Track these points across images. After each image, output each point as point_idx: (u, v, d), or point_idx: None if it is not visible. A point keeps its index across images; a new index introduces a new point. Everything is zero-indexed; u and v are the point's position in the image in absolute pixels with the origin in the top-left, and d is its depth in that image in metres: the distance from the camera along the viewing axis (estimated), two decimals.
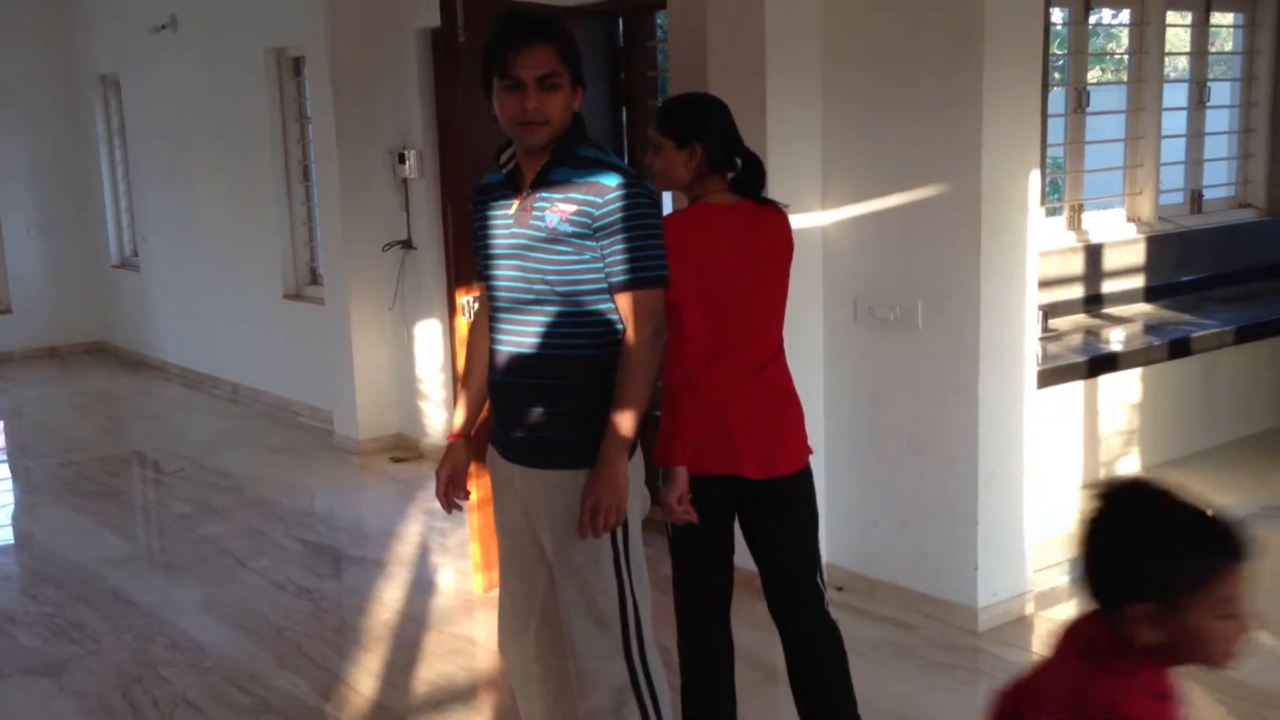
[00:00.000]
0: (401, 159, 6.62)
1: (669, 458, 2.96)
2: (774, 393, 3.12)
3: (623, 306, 2.64)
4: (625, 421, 2.63)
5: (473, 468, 3.02)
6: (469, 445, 2.97)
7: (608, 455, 2.63)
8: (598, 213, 2.59)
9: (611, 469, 2.63)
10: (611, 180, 2.59)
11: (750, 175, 3.09)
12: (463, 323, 4.56)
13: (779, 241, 3.13)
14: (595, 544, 2.68)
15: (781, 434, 3.13)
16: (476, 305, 3.00)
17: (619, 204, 2.58)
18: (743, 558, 3.21)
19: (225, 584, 5.02)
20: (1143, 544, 1.69)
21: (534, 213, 2.65)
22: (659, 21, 5.43)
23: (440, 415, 6.78)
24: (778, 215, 3.12)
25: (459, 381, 4.68)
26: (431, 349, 6.78)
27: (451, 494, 2.96)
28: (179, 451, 7.26)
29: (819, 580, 3.19)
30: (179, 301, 9.36)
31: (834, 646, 3.19)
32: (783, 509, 3.14)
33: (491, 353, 2.80)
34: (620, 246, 2.60)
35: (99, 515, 6.08)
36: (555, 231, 2.62)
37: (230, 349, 8.75)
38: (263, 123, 7.85)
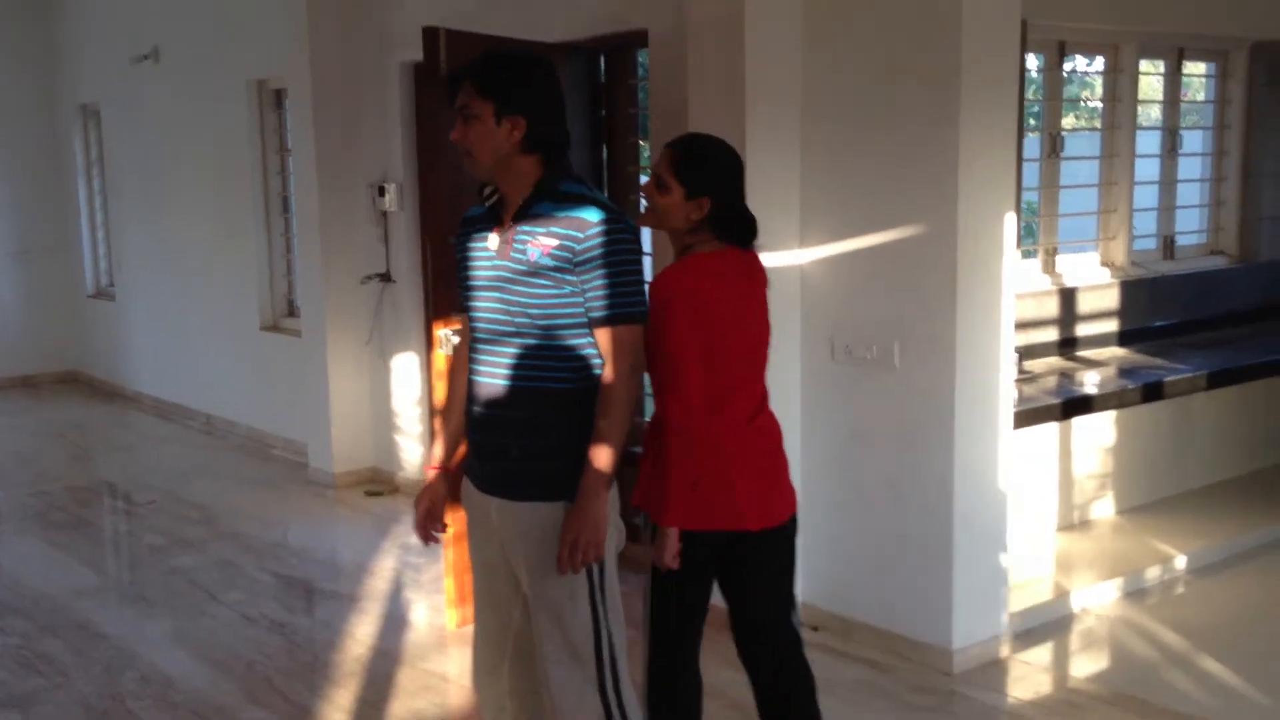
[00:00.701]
0: (381, 192, 6.63)
1: (663, 517, 2.91)
2: (768, 439, 3.12)
3: (601, 342, 2.66)
4: (604, 457, 2.64)
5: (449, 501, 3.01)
6: (448, 478, 2.96)
7: (587, 491, 2.63)
8: (578, 247, 2.61)
9: (591, 505, 2.63)
10: (593, 216, 2.62)
11: (741, 228, 3.05)
12: (440, 356, 4.56)
13: (763, 285, 3.14)
14: (571, 578, 2.68)
15: (776, 480, 3.12)
16: (457, 338, 3.01)
17: (599, 239, 2.61)
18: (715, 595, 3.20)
19: (196, 617, 4.97)
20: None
21: (515, 245, 2.67)
22: (640, 59, 5.48)
23: (416, 449, 6.75)
24: (757, 259, 3.14)
25: (436, 414, 4.70)
26: (408, 383, 6.77)
27: (429, 526, 2.96)
28: (151, 482, 7.20)
29: (794, 622, 3.18)
30: (155, 332, 9.31)
31: (807, 690, 3.17)
32: (769, 557, 3.11)
33: (470, 384, 2.81)
34: (600, 282, 2.62)
35: (69, 546, 6.01)
36: (535, 265, 2.64)
37: (205, 380, 8.71)
38: (243, 154, 7.85)
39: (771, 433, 3.13)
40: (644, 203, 3.13)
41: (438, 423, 3.02)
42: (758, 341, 3.11)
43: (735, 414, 3.01)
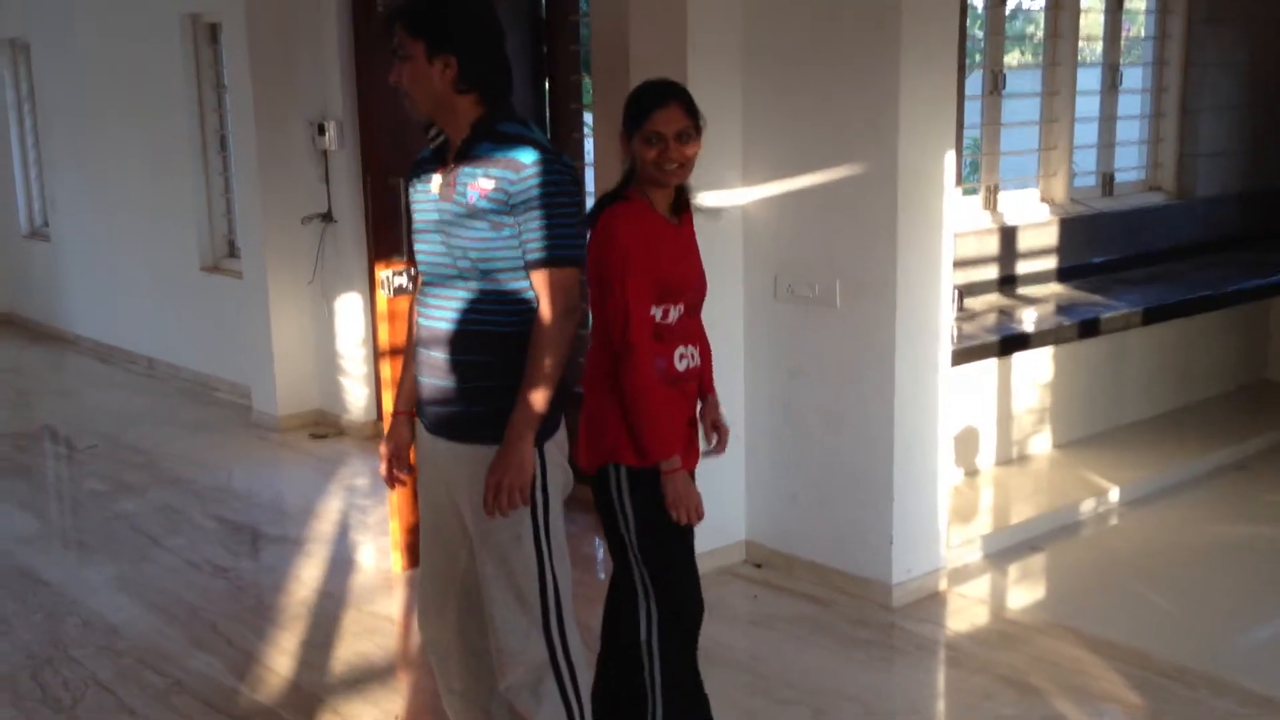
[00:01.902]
0: (321, 130, 6.51)
1: (660, 452, 2.88)
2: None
3: (536, 283, 2.64)
4: (536, 398, 2.62)
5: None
6: (410, 421, 2.95)
7: (513, 434, 2.62)
8: (513, 189, 2.59)
9: (516, 447, 2.62)
10: (528, 156, 2.59)
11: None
12: (383, 297, 4.52)
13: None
14: (515, 520, 2.68)
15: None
16: (400, 279, 2.99)
17: (535, 180, 2.58)
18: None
19: (139, 563, 4.94)
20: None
21: (456, 188, 2.65)
22: None
23: (361, 391, 6.71)
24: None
25: (384, 356, 4.68)
26: (352, 324, 6.71)
27: (396, 469, 2.96)
28: (92, 427, 7.11)
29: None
30: (92, 273, 9.14)
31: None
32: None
33: (415, 326, 2.81)
34: (536, 223, 2.60)
35: (7, 492, 5.93)
36: (473, 207, 2.62)
37: (145, 322, 8.58)
38: (178, 91, 7.67)
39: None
40: None
41: (398, 366, 3.01)
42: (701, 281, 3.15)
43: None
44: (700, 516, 2.94)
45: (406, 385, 2.94)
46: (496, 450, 2.65)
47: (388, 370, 4.55)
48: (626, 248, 2.85)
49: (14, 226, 10.24)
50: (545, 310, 2.64)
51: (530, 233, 2.61)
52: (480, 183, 2.61)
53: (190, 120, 7.69)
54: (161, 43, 7.69)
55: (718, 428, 3.20)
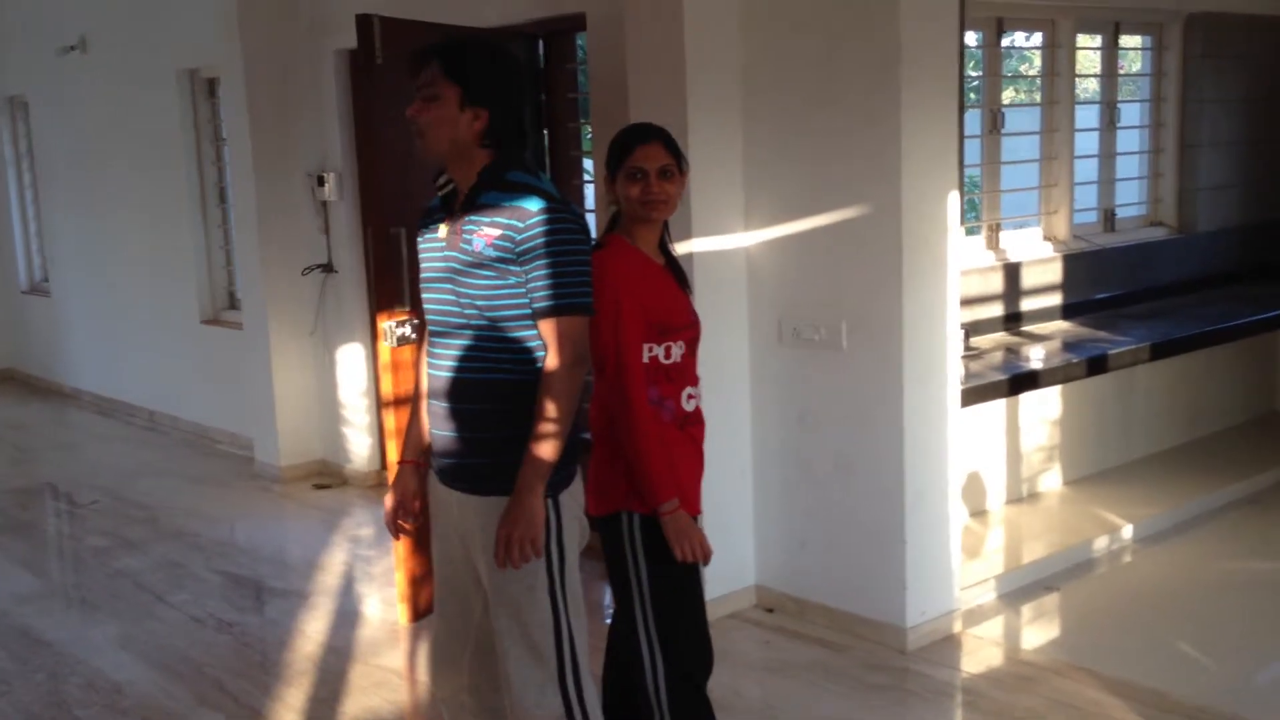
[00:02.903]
0: (321, 181, 6.52)
1: (662, 496, 2.86)
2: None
3: (545, 332, 2.62)
4: (545, 449, 2.60)
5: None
6: (416, 471, 2.92)
7: (523, 485, 2.60)
8: (519, 237, 2.57)
9: (525, 499, 2.59)
10: (534, 205, 2.59)
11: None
12: (385, 348, 4.49)
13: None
14: (529, 572, 2.65)
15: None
16: (403, 329, 2.98)
17: (541, 229, 2.57)
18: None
19: (142, 620, 4.88)
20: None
21: (463, 236, 2.64)
22: (579, 43, 5.42)
23: (364, 441, 6.68)
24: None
25: (384, 407, 4.64)
26: (354, 374, 6.68)
27: (401, 519, 2.93)
28: (93, 482, 7.05)
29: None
30: (93, 327, 9.13)
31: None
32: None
33: (426, 377, 2.79)
34: (543, 272, 2.59)
35: (8, 550, 5.88)
36: (480, 256, 2.61)
37: (146, 376, 8.55)
38: (176, 145, 7.70)
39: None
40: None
41: (403, 416, 2.99)
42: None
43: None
44: (708, 555, 2.90)
45: (414, 435, 2.91)
46: (507, 502, 2.62)
47: (391, 420, 4.52)
48: (617, 286, 2.85)
49: (14, 282, 10.25)
50: (553, 359, 2.61)
51: (537, 281, 2.59)
52: (486, 231, 2.60)
53: (189, 173, 7.71)
54: (160, 98, 7.73)
55: None
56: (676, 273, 3.06)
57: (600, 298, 2.79)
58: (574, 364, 2.62)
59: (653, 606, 2.95)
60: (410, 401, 3.01)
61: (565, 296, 2.60)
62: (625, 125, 3.10)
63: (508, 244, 2.58)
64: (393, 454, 4.02)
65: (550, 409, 2.60)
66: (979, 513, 5.45)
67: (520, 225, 2.57)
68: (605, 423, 2.94)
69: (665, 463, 2.88)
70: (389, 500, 2.93)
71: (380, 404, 5.08)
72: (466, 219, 2.64)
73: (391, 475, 3.00)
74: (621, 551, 2.95)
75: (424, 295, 2.76)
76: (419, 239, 2.81)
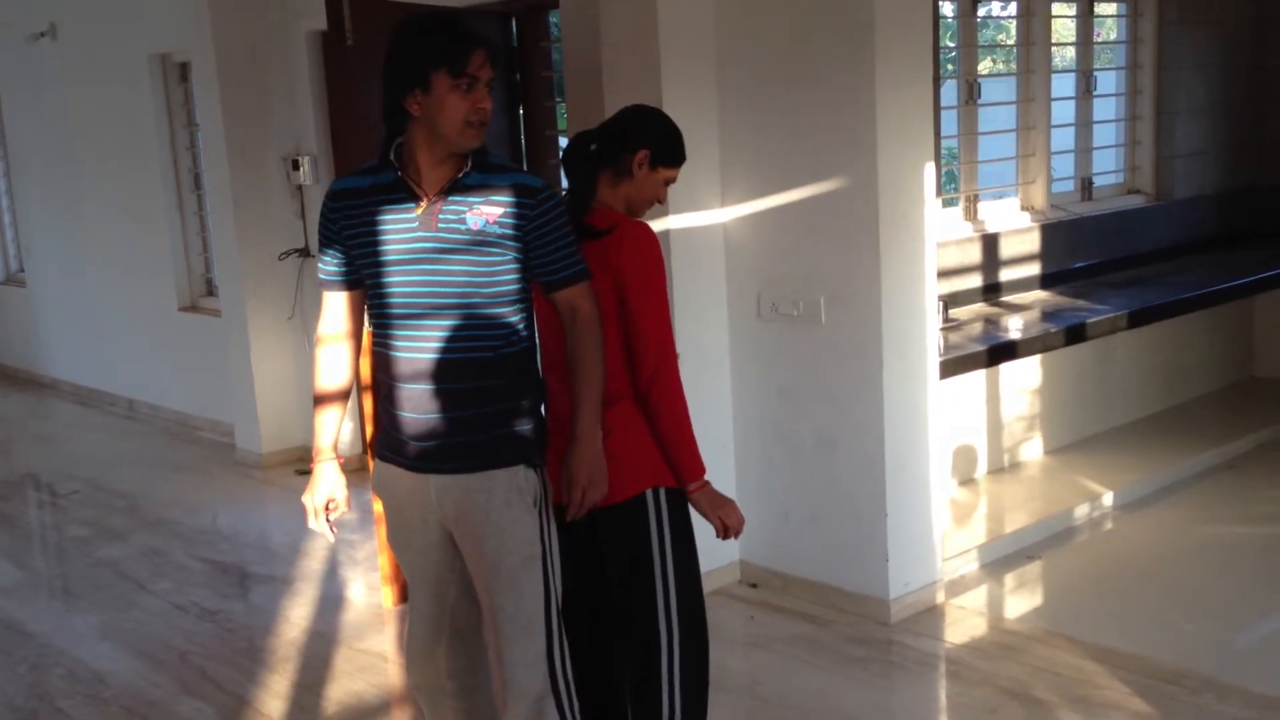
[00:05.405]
0: (295, 165, 6.47)
1: (702, 468, 2.94)
2: None
3: (570, 298, 2.73)
4: (597, 396, 2.74)
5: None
6: (338, 466, 2.88)
7: (583, 435, 2.73)
8: (532, 214, 2.64)
9: (592, 446, 2.74)
10: (536, 183, 2.68)
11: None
12: (364, 332, 4.45)
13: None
14: (528, 541, 2.67)
15: None
16: (328, 315, 2.89)
17: (552, 204, 2.68)
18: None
19: (125, 609, 4.86)
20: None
21: (445, 216, 2.61)
22: (553, 21, 5.38)
23: (346, 425, 6.63)
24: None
25: (364, 390, 4.60)
26: None
27: (331, 517, 2.85)
28: (73, 472, 7.02)
29: None
30: (70, 317, 9.06)
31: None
32: None
33: (390, 361, 2.70)
34: (557, 245, 2.70)
35: None
36: (481, 234, 2.61)
37: (125, 364, 8.50)
38: (149, 131, 7.63)
39: None
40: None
41: (321, 410, 2.91)
42: None
43: None
44: (741, 525, 3.00)
45: (329, 427, 2.86)
46: (511, 473, 2.66)
47: (369, 405, 4.50)
48: (660, 258, 2.91)
49: None
50: (590, 317, 2.74)
51: (558, 252, 2.70)
52: (483, 210, 2.61)
53: (164, 159, 7.64)
54: (131, 84, 7.65)
55: None
56: None
57: (650, 267, 2.87)
58: (601, 320, 2.77)
59: (675, 584, 2.92)
60: (327, 395, 2.89)
61: (580, 263, 2.74)
62: (674, 125, 3.04)
63: (516, 220, 2.63)
64: (370, 435, 3.98)
65: (597, 360, 2.75)
66: (962, 483, 5.47)
67: (532, 202, 2.64)
68: (633, 403, 2.89)
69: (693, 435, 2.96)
70: (318, 498, 2.82)
71: (360, 388, 5.04)
72: (449, 199, 2.62)
73: (370, 461, 2.98)
74: (645, 531, 2.90)
75: (384, 279, 2.67)
76: (354, 219, 2.71)
